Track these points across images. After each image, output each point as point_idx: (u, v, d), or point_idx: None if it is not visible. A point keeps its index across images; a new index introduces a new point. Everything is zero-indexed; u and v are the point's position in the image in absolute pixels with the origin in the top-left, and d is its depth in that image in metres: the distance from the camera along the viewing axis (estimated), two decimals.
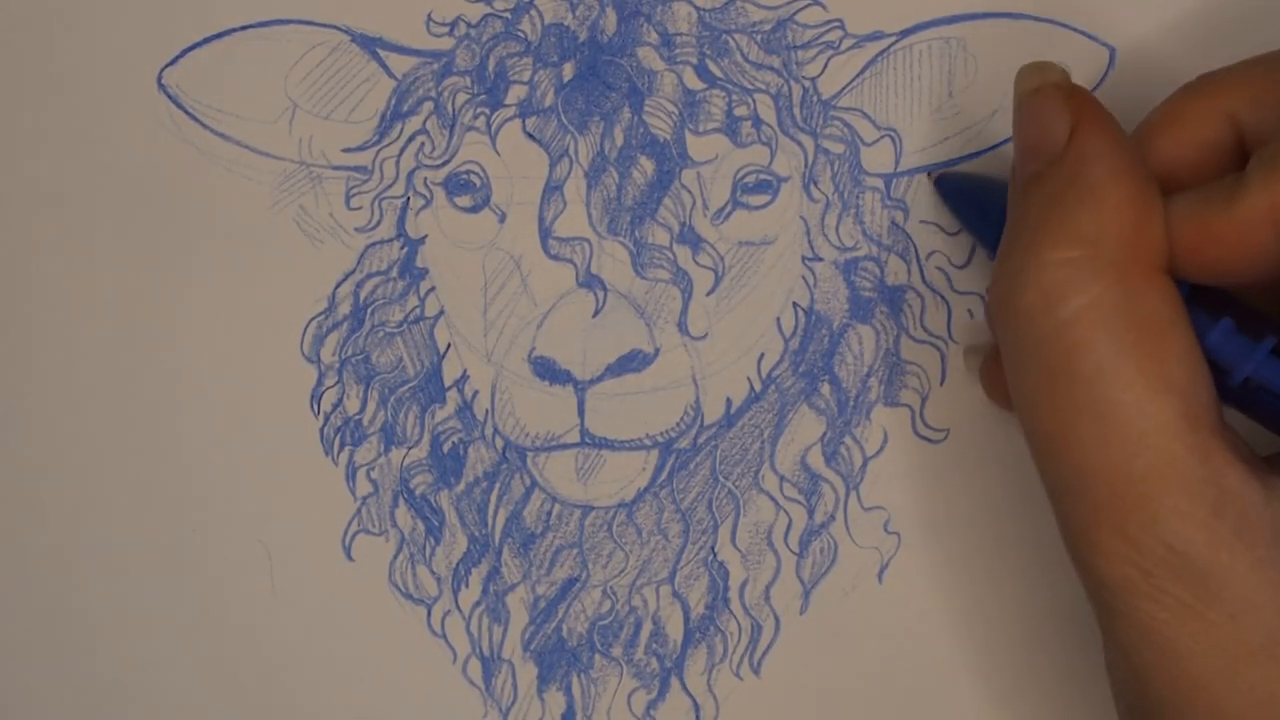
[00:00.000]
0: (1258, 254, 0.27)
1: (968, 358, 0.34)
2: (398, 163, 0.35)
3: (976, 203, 0.33)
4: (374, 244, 0.35)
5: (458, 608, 0.35)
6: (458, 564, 0.35)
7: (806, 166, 0.34)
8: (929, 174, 0.34)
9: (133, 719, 0.36)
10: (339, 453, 0.35)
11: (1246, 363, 0.28)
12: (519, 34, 0.35)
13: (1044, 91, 0.29)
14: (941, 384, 0.34)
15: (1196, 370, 0.27)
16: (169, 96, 0.35)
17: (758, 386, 0.35)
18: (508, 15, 0.35)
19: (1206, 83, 0.29)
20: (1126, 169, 0.28)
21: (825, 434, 0.35)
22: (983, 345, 0.34)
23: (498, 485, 0.35)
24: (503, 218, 0.35)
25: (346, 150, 0.35)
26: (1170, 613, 0.26)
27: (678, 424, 0.34)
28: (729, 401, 0.35)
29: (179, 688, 0.35)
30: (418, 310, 0.35)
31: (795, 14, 0.34)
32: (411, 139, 0.35)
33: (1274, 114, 0.28)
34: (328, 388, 0.35)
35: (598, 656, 0.35)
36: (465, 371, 0.35)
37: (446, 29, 0.35)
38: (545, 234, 0.34)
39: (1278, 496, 0.26)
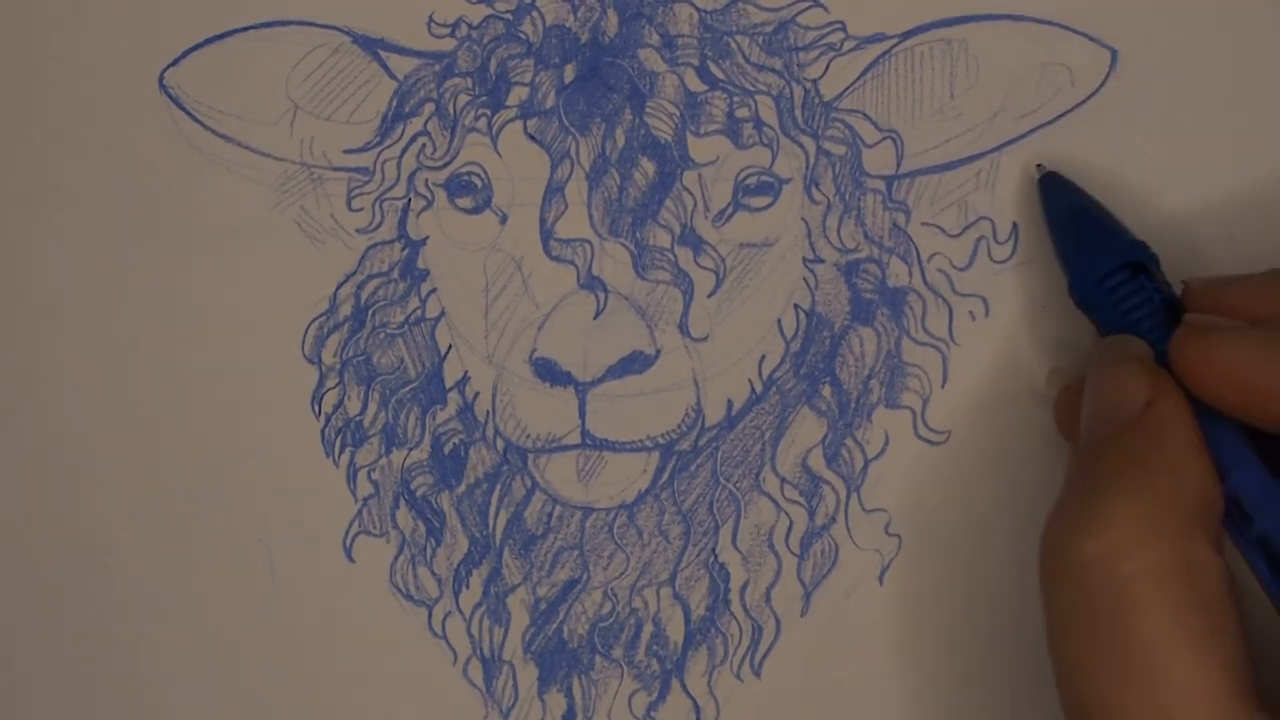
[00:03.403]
0: None
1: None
2: (399, 164, 0.35)
3: (1072, 210, 0.33)
4: (375, 245, 0.35)
5: (458, 609, 0.35)
6: (459, 565, 0.35)
7: (808, 168, 0.34)
8: (1037, 166, 0.34)
9: (131, 717, 0.36)
10: (340, 454, 0.35)
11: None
12: (520, 35, 0.35)
13: (1127, 363, 0.30)
14: (943, 386, 0.34)
15: (1243, 645, 0.27)
16: (170, 97, 0.35)
17: (759, 388, 0.35)
18: (509, 17, 0.35)
19: None
20: (1200, 448, 0.28)
21: (826, 436, 0.35)
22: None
23: (499, 487, 0.35)
24: (504, 219, 0.35)
25: (348, 151, 0.35)
26: None
27: (679, 426, 0.34)
28: (730, 403, 0.35)
29: (179, 687, 0.35)
30: (419, 311, 0.35)
31: (797, 16, 0.34)
32: (413, 140, 0.35)
33: None
34: (329, 389, 0.35)
35: (598, 658, 0.35)
36: (466, 373, 0.35)
37: (448, 30, 0.35)
38: (546, 235, 0.34)
39: None
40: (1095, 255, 0.32)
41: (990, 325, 0.34)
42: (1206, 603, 0.26)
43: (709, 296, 0.34)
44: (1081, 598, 0.27)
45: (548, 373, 0.34)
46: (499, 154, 0.34)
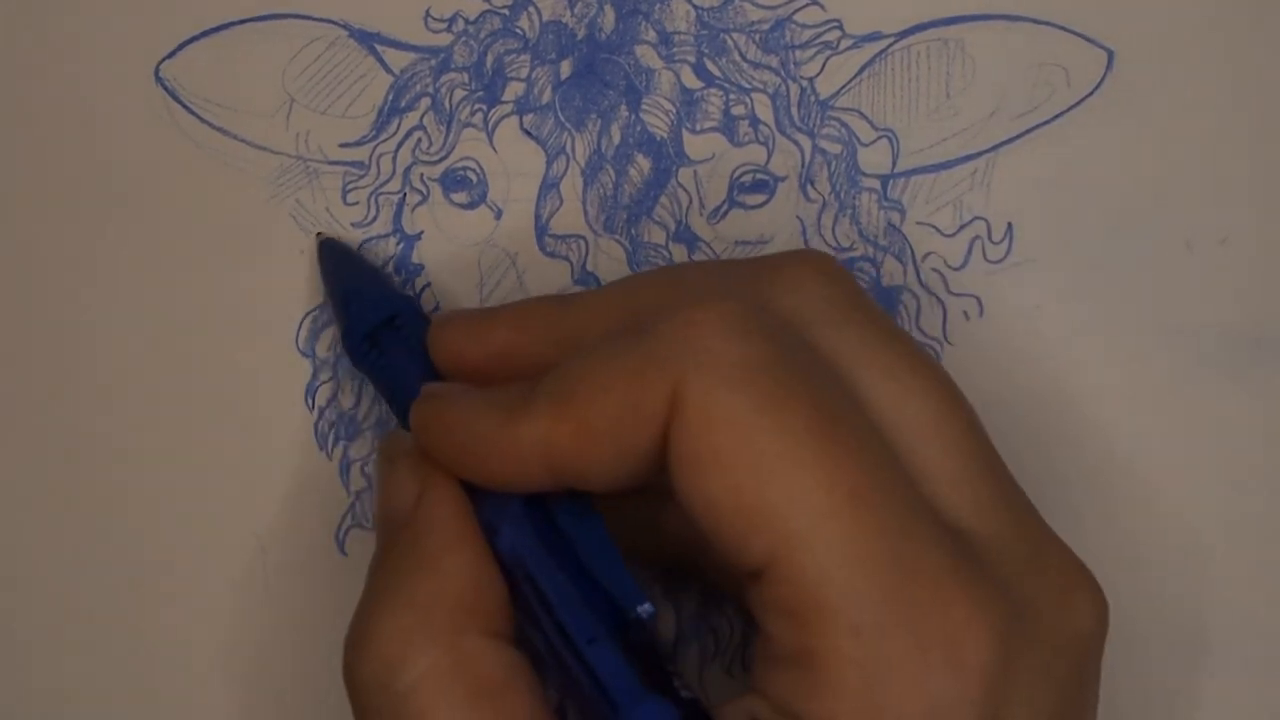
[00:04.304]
0: (526, 482, 0.27)
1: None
2: (395, 158, 0.35)
3: (341, 272, 0.34)
4: (370, 239, 0.35)
5: None
6: None
7: (803, 166, 0.34)
8: (317, 234, 0.34)
9: (125, 712, 0.36)
10: (333, 447, 0.35)
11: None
12: (517, 31, 0.35)
13: (398, 460, 0.29)
14: None
15: (541, 715, 0.27)
16: (167, 90, 0.35)
17: None
18: (506, 12, 0.35)
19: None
20: (462, 536, 0.28)
21: None
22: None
23: None
24: (499, 214, 0.35)
25: (343, 145, 0.35)
26: None
27: None
28: None
29: (170, 679, 0.35)
30: None
31: (794, 14, 0.34)
32: (409, 135, 0.35)
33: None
34: (322, 382, 0.35)
35: None
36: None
37: (444, 25, 0.35)
38: (541, 231, 0.34)
39: None
40: (360, 310, 0.32)
41: (984, 325, 0.34)
42: (490, 695, 0.26)
43: None
44: (373, 710, 0.27)
45: None
46: (494, 149, 0.34)
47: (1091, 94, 0.34)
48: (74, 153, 0.35)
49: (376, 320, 0.32)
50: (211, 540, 0.35)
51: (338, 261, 0.34)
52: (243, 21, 0.35)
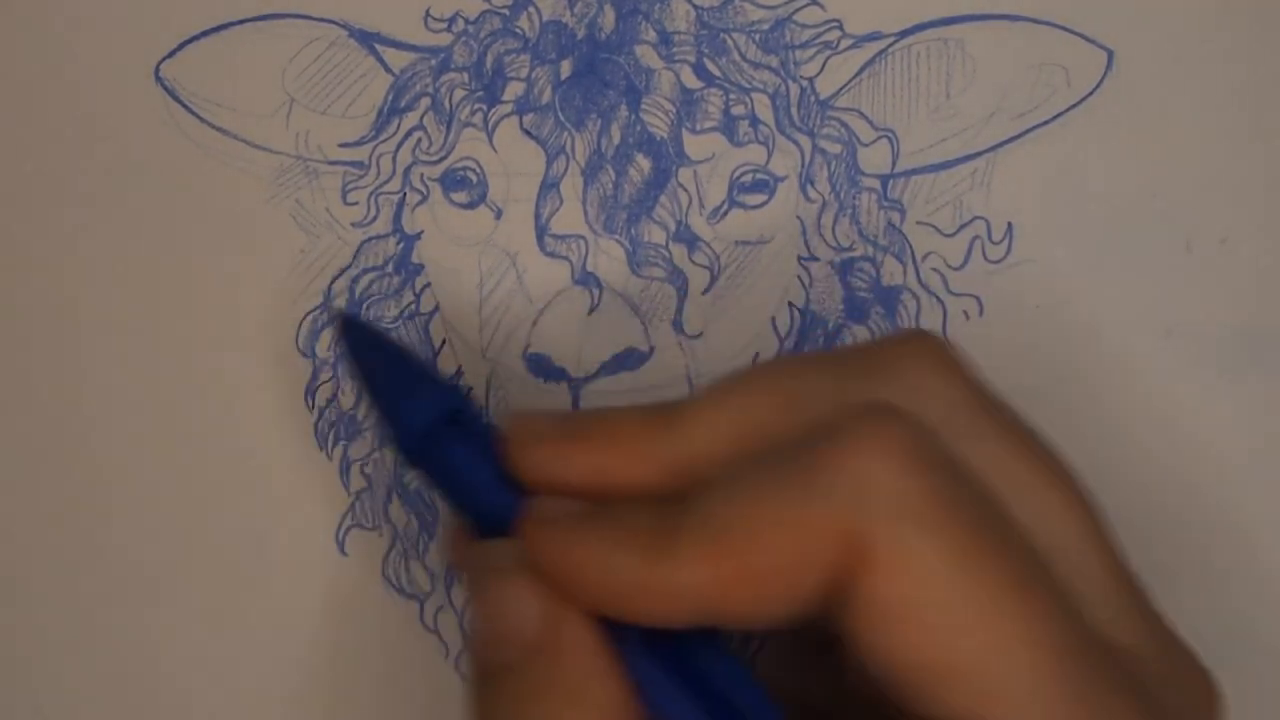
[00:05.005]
0: (667, 622, 0.25)
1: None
2: (394, 158, 0.35)
3: (384, 356, 0.30)
4: (370, 239, 0.35)
5: (450, 603, 0.35)
6: None
7: (803, 166, 0.34)
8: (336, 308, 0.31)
9: (125, 711, 0.36)
10: (333, 447, 0.35)
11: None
12: (517, 31, 0.35)
13: (511, 576, 0.26)
14: None
15: None
16: (166, 89, 0.35)
17: None
18: (506, 12, 0.35)
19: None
20: (607, 666, 0.26)
21: None
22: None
23: None
24: (499, 214, 0.35)
25: (343, 145, 0.35)
26: None
27: None
28: None
29: (170, 679, 0.35)
30: (413, 306, 0.35)
31: (794, 14, 0.34)
32: (409, 135, 0.35)
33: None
34: (322, 382, 0.35)
35: None
36: (460, 368, 0.35)
37: (444, 25, 0.35)
38: (541, 231, 0.34)
39: None
40: (416, 406, 0.28)
41: (984, 325, 0.34)
42: None
43: (703, 294, 0.34)
44: None
45: (541, 368, 0.34)
46: (494, 149, 0.34)
47: (1091, 94, 0.34)
48: (74, 153, 0.35)
49: (435, 416, 0.29)
50: (211, 540, 0.35)
51: (370, 346, 0.30)
52: (243, 21, 0.35)
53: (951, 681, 0.24)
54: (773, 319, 0.34)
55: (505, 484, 0.28)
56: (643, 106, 0.34)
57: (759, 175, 0.34)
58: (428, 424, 0.28)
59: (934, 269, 0.34)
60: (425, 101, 0.35)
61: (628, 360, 0.34)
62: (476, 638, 0.27)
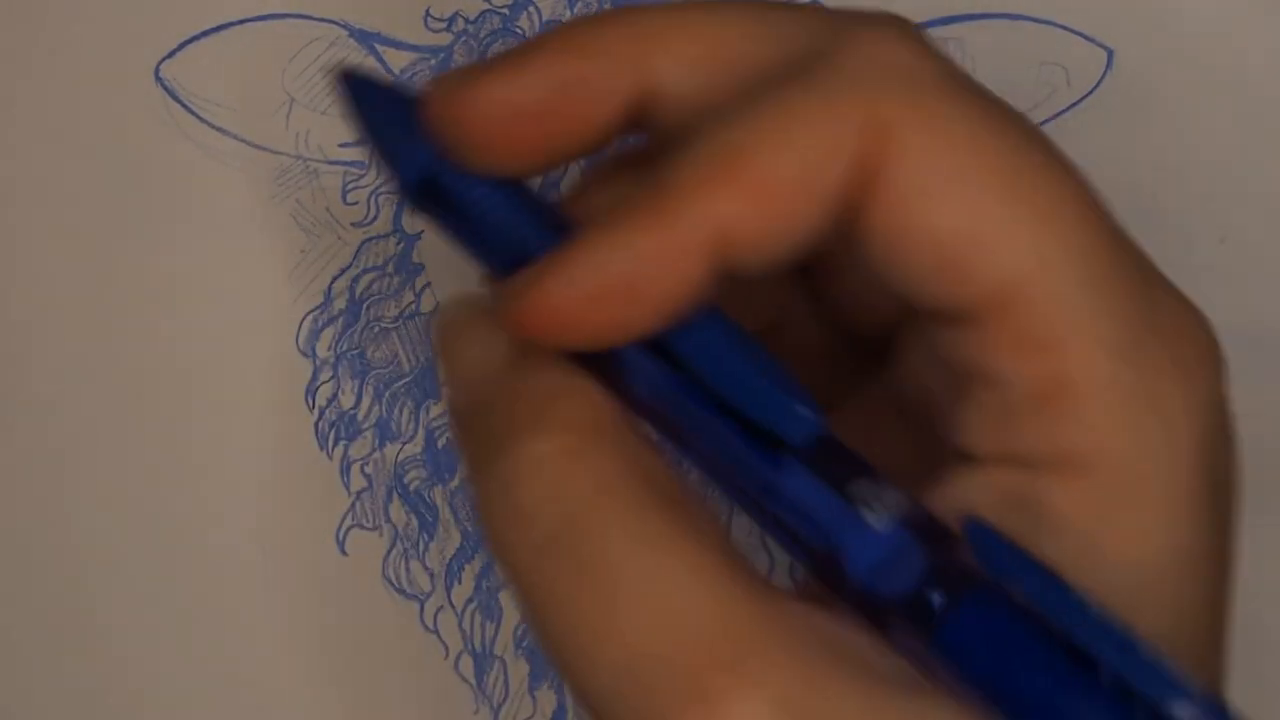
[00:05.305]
0: (682, 292, 0.23)
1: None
2: None
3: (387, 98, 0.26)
4: (370, 239, 0.35)
5: (450, 604, 0.35)
6: (451, 560, 0.35)
7: None
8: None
9: (123, 713, 0.36)
10: (334, 447, 0.35)
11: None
12: (517, 31, 0.35)
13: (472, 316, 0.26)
14: None
15: (717, 522, 0.24)
16: (166, 89, 0.35)
17: None
18: (506, 12, 0.35)
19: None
20: (578, 384, 0.24)
21: None
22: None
23: None
24: None
25: (343, 145, 0.35)
26: None
27: None
28: None
29: (168, 680, 0.35)
30: (414, 305, 0.35)
31: None
32: None
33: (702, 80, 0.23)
34: (323, 382, 0.35)
35: None
36: None
37: (444, 25, 0.35)
38: None
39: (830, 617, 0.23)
40: (419, 144, 0.25)
41: None
42: (669, 495, 0.23)
43: None
44: (538, 543, 0.23)
45: None
46: None
47: (1091, 94, 0.34)
48: (74, 153, 0.35)
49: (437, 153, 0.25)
50: (211, 540, 0.35)
51: (368, 94, 0.27)
52: (243, 21, 0.35)
53: (994, 251, 0.22)
54: None
55: (519, 211, 0.25)
56: None
57: None
58: (430, 161, 0.25)
59: None
60: None
61: None
62: (448, 384, 0.26)
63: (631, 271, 0.22)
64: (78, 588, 0.36)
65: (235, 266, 0.35)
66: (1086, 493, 0.23)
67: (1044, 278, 0.22)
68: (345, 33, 0.35)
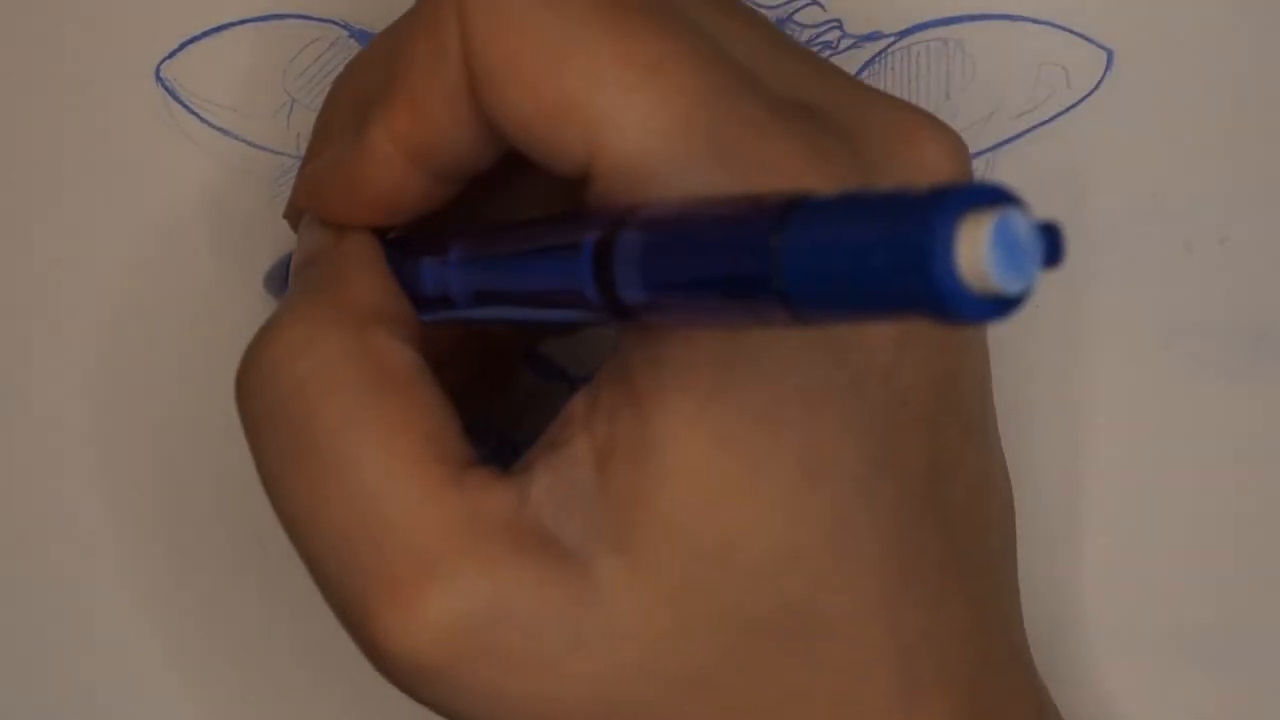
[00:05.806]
0: (404, 184, 0.26)
1: None
2: None
3: None
4: None
5: None
6: None
7: None
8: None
9: (125, 711, 0.36)
10: None
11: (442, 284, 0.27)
12: None
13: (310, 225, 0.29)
14: None
15: (449, 418, 0.25)
16: (167, 90, 0.35)
17: None
18: None
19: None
20: (374, 259, 0.27)
21: None
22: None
23: None
24: None
25: None
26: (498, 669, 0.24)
27: None
28: None
29: (171, 680, 0.36)
30: None
31: (794, 14, 0.34)
32: None
33: None
34: None
35: None
36: None
37: None
38: None
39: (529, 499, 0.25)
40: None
41: (983, 325, 0.34)
42: (392, 384, 0.25)
43: None
44: (267, 406, 0.25)
45: (542, 369, 0.34)
46: None
47: (1091, 93, 0.34)
48: (74, 152, 0.35)
49: None
50: (211, 535, 0.35)
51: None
52: (243, 21, 0.35)
53: (565, 123, 0.24)
54: None
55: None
56: None
57: None
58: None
59: None
60: None
61: None
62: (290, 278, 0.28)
63: (347, 173, 0.27)
64: (78, 587, 0.36)
65: (234, 267, 0.35)
66: None
67: (614, 138, 0.23)
68: (345, 33, 0.35)
